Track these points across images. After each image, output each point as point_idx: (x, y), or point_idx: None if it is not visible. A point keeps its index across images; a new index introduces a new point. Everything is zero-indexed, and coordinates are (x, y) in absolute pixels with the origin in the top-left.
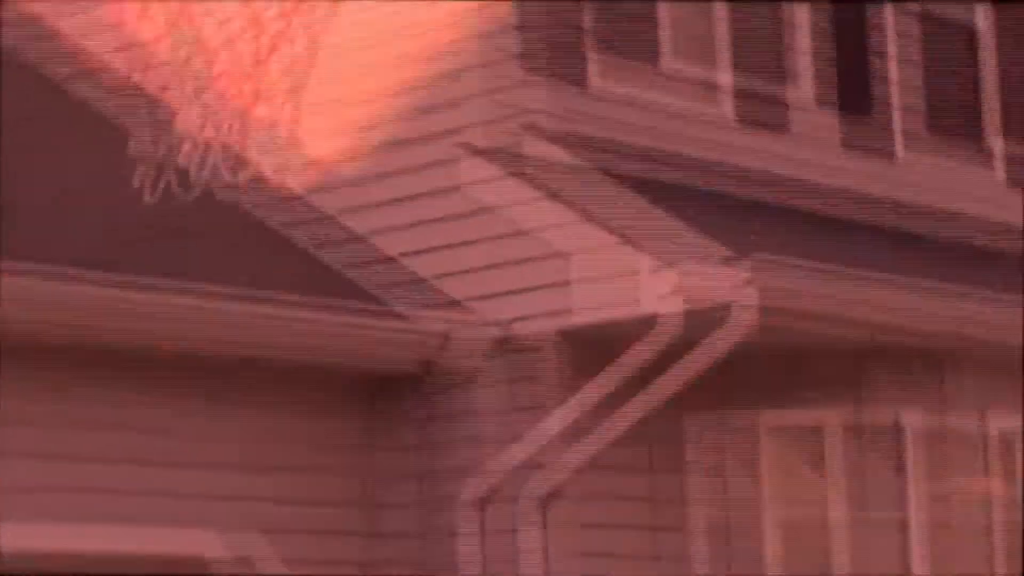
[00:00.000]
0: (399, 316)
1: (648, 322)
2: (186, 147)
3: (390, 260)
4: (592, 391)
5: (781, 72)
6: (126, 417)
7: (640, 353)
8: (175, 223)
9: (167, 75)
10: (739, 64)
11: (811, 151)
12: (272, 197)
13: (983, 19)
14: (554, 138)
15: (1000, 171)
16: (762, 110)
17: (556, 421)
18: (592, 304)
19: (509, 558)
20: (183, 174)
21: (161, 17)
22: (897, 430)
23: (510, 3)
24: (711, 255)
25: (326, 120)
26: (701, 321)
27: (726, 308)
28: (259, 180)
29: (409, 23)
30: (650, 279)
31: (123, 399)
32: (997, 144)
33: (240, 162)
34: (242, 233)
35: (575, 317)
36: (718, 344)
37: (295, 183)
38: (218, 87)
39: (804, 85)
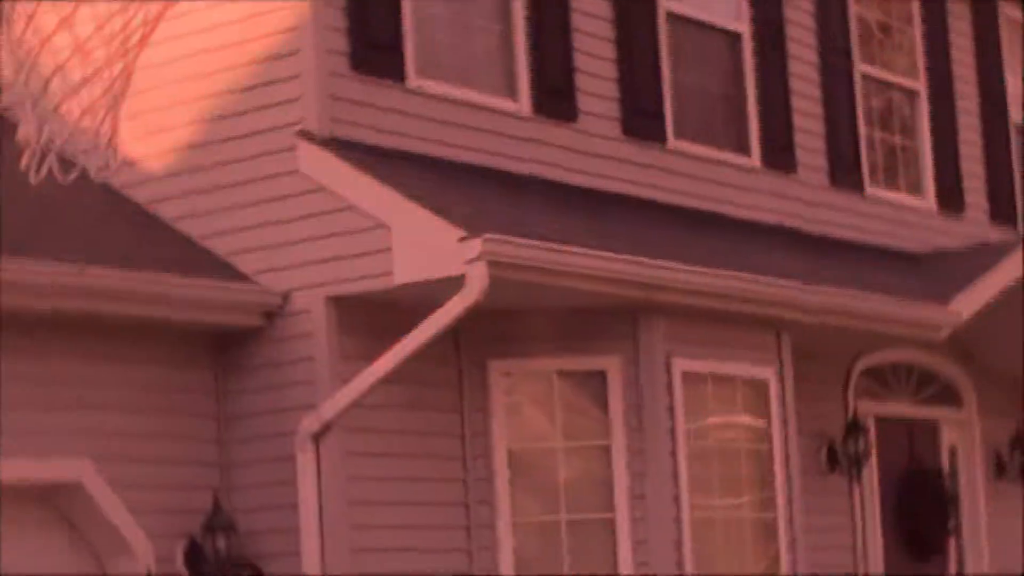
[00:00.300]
0: (245, 279)
1: (456, 282)
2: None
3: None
4: (407, 344)
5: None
6: (14, 369)
7: (450, 310)
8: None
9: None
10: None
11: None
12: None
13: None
14: (368, 130)
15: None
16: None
17: (379, 367)
18: (408, 268)
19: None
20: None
21: (5, 48)
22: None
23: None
24: (450, 233)
25: (157, 122)
26: (442, 288)
27: (461, 278)
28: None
29: (229, 21)
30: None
31: (10, 354)
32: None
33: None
34: (112, 210)
35: (388, 280)
36: (456, 306)
37: (116, 180)
38: (51, 104)
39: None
